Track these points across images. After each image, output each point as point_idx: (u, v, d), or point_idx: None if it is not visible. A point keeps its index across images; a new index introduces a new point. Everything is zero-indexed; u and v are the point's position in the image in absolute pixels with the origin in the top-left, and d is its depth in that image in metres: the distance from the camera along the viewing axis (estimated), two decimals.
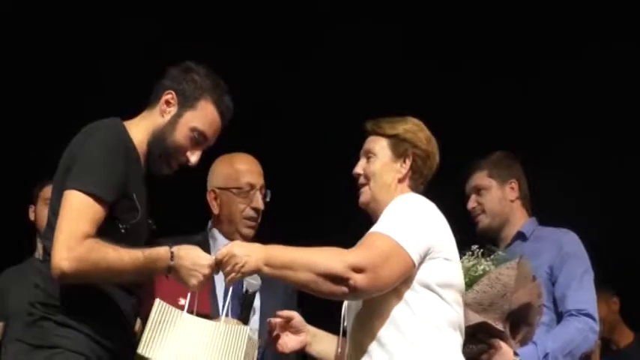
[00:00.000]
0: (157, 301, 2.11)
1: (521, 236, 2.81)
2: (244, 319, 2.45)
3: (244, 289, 2.47)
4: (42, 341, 2.07)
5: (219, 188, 2.74)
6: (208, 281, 2.16)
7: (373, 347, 2.05)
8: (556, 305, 2.65)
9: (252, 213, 2.73)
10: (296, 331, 2.27)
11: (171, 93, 2.27)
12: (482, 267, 2.33)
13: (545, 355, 2.49)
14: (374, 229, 2.07)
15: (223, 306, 2.21)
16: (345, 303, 2.21)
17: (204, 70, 2.32)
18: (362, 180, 2.23)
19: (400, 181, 2.19)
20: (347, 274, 1.96)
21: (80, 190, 2.06)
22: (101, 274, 2.05)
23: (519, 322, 2.40)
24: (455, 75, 4.69)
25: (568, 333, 2.56)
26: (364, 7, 4.76)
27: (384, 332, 2.03)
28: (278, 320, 2.28)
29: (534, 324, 2.43)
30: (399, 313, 2.03)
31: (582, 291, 2.63)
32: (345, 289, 1.98)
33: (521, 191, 2.83)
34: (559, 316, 2.63)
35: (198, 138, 2.27)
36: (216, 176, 2.77)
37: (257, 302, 2.56)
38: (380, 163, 2.20)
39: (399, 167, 2.20)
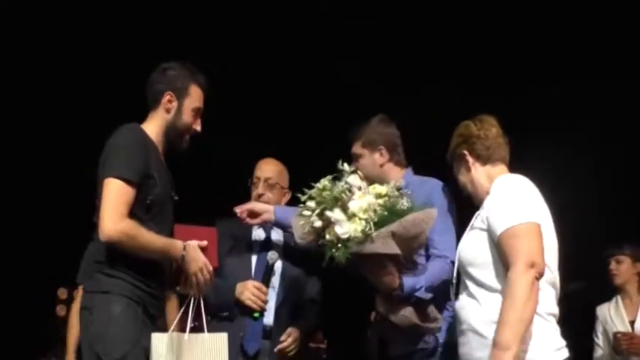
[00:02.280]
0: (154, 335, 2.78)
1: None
2: (266, 282, 3.31)
3: (266, 262, 3.33)
4: (97, 287, 2.75)
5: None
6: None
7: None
8: (426, 248, 2.98)
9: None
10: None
11: (169, 94, 2.93)
12: (402, 202, 2.74)
13: (420, 287, 2.84)
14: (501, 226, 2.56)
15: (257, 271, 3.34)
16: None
17: (177, 63, 2.99)
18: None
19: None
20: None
21: (115, 177, 2.71)
22: (135, 246, 2.71)
23: (411, 254, 2.87)
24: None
25: (438, 271, 2.91)
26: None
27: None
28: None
29: (416, 259, 2.93)
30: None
31: (446, 237, 2.96)
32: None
33: (391, 153, 3.15)
34: (427, 257, 2.99)
35: (197, 112, 3.00)
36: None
37: (279, 266, 3.38)
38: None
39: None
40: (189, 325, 2.93)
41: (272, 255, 3.35)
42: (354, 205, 2.67)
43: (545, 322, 2.54)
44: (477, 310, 2.60)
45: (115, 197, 2.70)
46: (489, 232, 2.62)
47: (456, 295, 2.77)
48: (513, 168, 2.85)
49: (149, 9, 4.85)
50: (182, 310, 2.98)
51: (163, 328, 2.95)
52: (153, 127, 2.94)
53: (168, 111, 2.93)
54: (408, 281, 2.82)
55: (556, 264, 2.67)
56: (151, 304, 2.83)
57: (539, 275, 2.50)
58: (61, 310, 5.73)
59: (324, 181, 2.74)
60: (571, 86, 5.03)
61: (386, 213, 2.69)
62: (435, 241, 2.96)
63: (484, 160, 2.79)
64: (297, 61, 5.12)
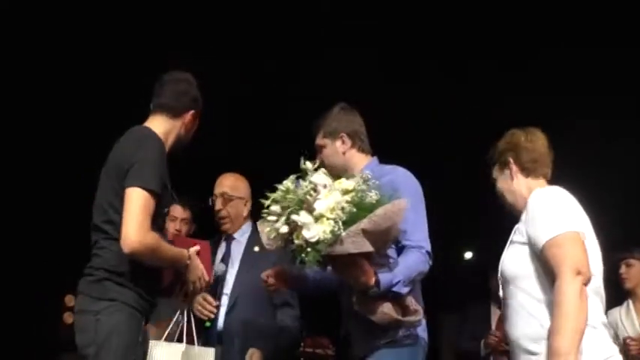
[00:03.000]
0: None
1: None
2: (213, 292, 3.42)
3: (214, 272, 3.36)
4: (104, 295, 2.76)
5: None
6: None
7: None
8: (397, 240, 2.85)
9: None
10: None
11: (193, 114, 2.98)
12: (371, 194, 2.61)
13: (398, 281, 2.73)
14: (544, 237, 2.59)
15: None
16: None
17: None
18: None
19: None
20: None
21: (142, 187, 2.72)
22: (155, 258, 2.78)
23: (383, 249, 2.75)
24: None
25: (414, 262, 2.81)
26: None
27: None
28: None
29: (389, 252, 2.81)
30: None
31: (417, 227, 2.87)
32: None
33: (353, 139, 3.06)
34: (400, 249, 2.86)
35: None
36: None
37: (232, 276, 3.53)
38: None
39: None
40: (177, 335, 3.09)
41: (219, 266, 3.50)
42: (320, 206, 2.55)
43: (594, 330, 2.56)
44: (528, 323, 2.62)
45: (140, 209, 2.70)
46: (531, 245, 2.65)
47: (504, 316, 2.80)
48: None
49: (148, 10, 4.83)
50: (174, 320, 3.14)
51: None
52: (162, 133, 2.91)
53: (187, 129, 2.98)
54: (385, 277, 2.71)
55: (601, 273, 2.68)
56: (148, 313, 2.89)
57: (586, 282, 2.52)
58: (68, 317, 5.75)
59: (287, 183, 2.64)
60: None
61: (354, 210, 2.57)
62: (407, 233, 2.83)
63: (527, 172, 2.84)
64: (297, 61, 5.08)
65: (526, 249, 2.67)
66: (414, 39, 5.03)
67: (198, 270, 2.93)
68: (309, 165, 2.66)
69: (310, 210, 2.56)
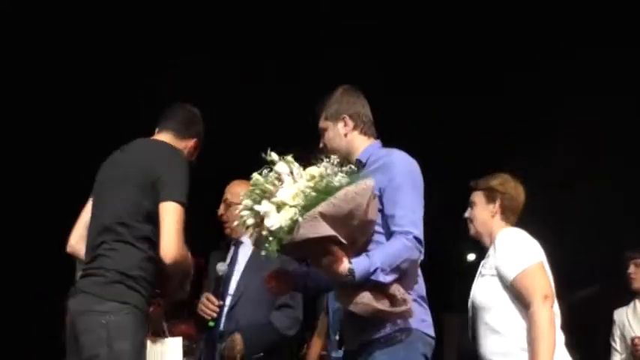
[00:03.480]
0: None
1: (358, 162, 2.91)
2: (215, 292, 3.53)
3: (215, 273, 3.60)
4: (117, 297, 2.82)
5: None
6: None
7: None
8: (386, 225, 2.75)
9: None
10: None
11: (197, 142, 3.17)
12: (337, 178, 2.57)
13: (376, 269, 2.60)
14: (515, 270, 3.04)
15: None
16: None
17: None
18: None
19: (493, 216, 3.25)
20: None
21: (178, 202, 2.86)
22: (186, 268, 2.97)
23: (359, 234, 2.65)
24: None
25: (397, 249, 2.67)
26: None
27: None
28: None
29: (369, 237, 2.72)
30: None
31: (408, 212, 2.73)
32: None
33: (355, 121, 2.98)
34: (389, 235, 2.74)
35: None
36: None
37: (236, 277, 3.60)
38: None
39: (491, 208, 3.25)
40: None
41: (220, 267, 3.60)
42: (282, 194, 2.51)
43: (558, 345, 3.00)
44: (498, 342, 3.07)
45: (178, 223, 2.86)
46: (500, 277, 3.09)
47: (473, 337, 3.22)
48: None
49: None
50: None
51: None
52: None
53: (190, 154, 3.15)
54: (360, 264, 2.59)
55: (554, 294, 3.10)
56: (147, 314, 2.95)
57: (552, 304, 3.02)
58: None
59: (255, 175, 2.61)
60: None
61: (314, 194, 2.51)
62: (396, 217, 2.70)
63: (505, 216, 3.25)
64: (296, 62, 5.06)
65: (495, 280, 3.11)
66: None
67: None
68: (274, 156, 2.62)
69: (272, 199, 2.52)
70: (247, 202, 2.59)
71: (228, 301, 3.55)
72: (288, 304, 3.55)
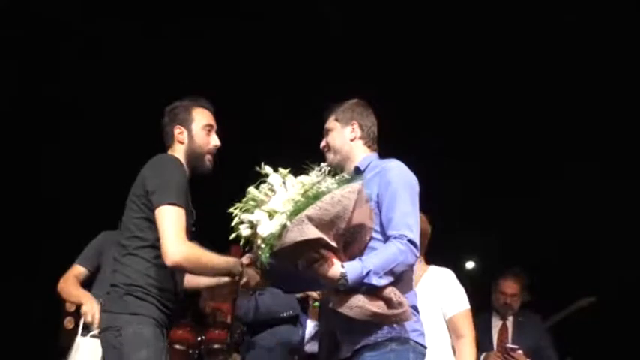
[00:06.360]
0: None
1: (357, 170, 3.00)
2: None
3: None
4: (125, 309, 2.88)
5: None
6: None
7: None
8: (384, 231, 2.79)
9: None
10: None
11: (177, 127, 3.17)
12: (325, 185, 2.62)
13: (369, 272, 2.62)
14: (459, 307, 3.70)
15: None
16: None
17: (178, 101, 3.24)
18: None
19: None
20: None
21: (171, 204, 2.87)
22: (199, 267, 2.92)
23: (352, 239, 2.68)
24: None
25: (391, 252, 2.69)
26: None
27: None
28: None
29: (364, 242, 2.74)
30: None
31: (402, 216, 2.77)
32: None
33: (362, 132, 3.08)
34: (387, 241, 2.77)
35: (209, 130, 3.19)
36: None
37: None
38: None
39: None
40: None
41: None
42: (273, 203, 2.58)
43: None
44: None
45: (174, 223, 2.85)
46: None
47: None
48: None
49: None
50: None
51: None
52: (179, 158, 3.10)
53: (181, 142, 3.14)
54: (352, 268, 2.63)
55: None
56: (167, 326, 2.98)
57: None
58: (69, 322, 5.68)
59: (250, 189, 2.71)
60: None
61: (303, 199, 2.57)
62: (392, 222, 2.75)
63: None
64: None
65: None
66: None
67: (255, 278, 3.07)
68: (267, 169, 2.71)
69: (264, 208, 2.59)
70: (243, 216, 2.65)
71: None
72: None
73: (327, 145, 3.06)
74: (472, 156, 5.94)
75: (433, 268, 3.76)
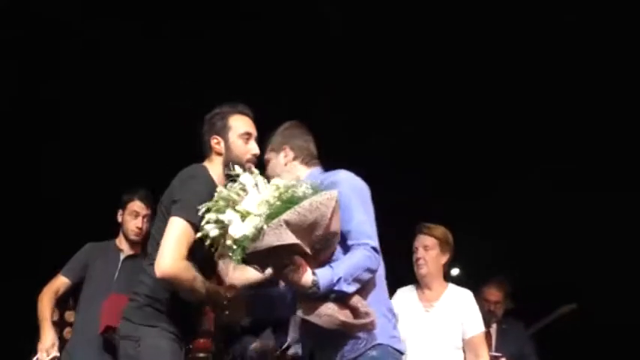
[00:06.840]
0: None
1: None
2: None
3: None
4: (145, 321, 2.90)
5: None
6: None
7: None
8: (343, 240, 2.83)
9: None
10: None
11: (214, 138, 3.12)
12: (301, 189, 2.63)
13: (339, 279, 2.67)
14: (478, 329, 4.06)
15: None
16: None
17: (215, 108, 3.18)
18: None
19: None
20: None
21: (183, 218, 2.84)
22: (186, 288, 2.84)
23: (324, 247, 2.70)
24: None
25: (358, 259, 2.75)
26: None
27: None
28: None
29: (333, 250, 2.77)
30: None
31: (360, 225, 2.83)
32: None
33: (294, 152, 3.12)
34: (347, 249, 2.83)
35: (247, 137, 3.14)
36: None
37: None
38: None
39: None
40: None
41: None
42: (247, 203, 2.56)
43: None
44: None
45: (177, 237, 2.81)
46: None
47: None
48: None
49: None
50: None
51: None
52: (215, 169, 3.08)
53: (219, 152, 3.10)
54: (323, 275, 2.66)
55: None
56: (184, 340, 3.02)
57: None
58: (68, 333, 5.67)
59: (220, 188, 2.70)
60: None
61: (279, 203, 2.57)
62: (352, 232, 2.81)
63: None
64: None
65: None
66: None
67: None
68: (237, 169, 2.72)
69: (236, 207, 2.56)
70: (211, 215, 2.62)
71: None
72: None
73: (268, 177, 3.01)
74: (458, 160, 5.93)
75: (452, 286, 4.07)
